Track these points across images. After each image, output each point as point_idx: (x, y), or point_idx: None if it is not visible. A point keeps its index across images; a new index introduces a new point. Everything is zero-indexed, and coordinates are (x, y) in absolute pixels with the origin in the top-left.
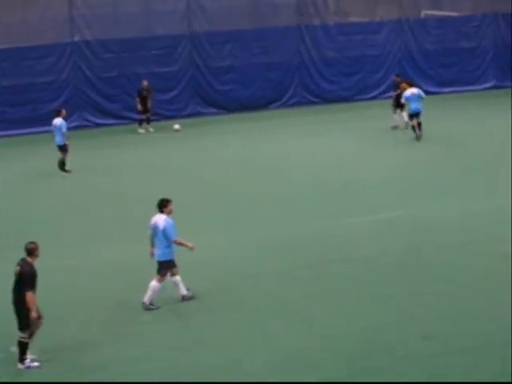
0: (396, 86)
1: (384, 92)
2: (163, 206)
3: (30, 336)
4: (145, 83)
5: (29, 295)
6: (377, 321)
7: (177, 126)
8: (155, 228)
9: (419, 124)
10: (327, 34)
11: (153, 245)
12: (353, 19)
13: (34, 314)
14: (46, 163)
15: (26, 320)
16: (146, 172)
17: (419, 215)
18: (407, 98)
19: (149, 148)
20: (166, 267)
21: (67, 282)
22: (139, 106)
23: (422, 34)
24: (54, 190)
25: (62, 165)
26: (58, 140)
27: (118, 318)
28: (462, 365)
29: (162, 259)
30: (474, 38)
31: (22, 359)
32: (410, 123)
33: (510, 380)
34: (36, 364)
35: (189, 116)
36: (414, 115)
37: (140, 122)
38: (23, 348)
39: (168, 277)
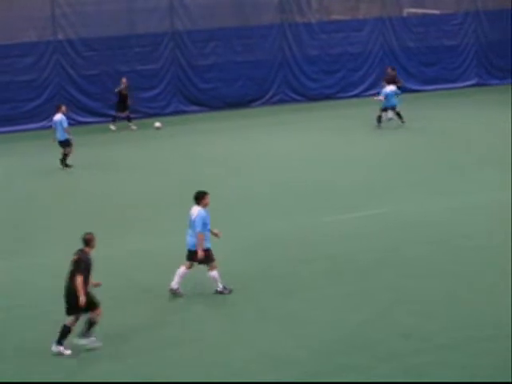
0: (391, 79)
1: (366, 90)
2: (199, 198)
3: (76, 321)
4: (123, 81)
5: (79, 279)
6: (356, 318)
7: (158, 124)
8: (190, 218)
9: (398, 113)
10: (310, 32)
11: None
12: (335, 17)
13: (82, 299)
14: (27, 161)
15: (74, 305)
16: (126, 170)
17: (400, 212)
18: (387, 94)
19: (131, 146)
20: (207, 256)
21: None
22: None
23: (404, 32)
24: (34, 188)
25: (63, 160)
26: (59, 135)
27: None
28: (442, 362)
29: (194, 248)
30: (456, 35)
31: (59, 342)
32: (384, 114)
33: (509, 380)
34: (68, 352)
35: (171, 114)
36: (390, 108)
37: (114, 118)
38: (65, 332)
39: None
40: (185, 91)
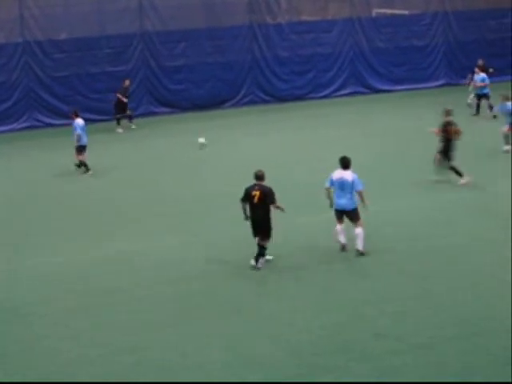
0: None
1: (337, 90)
2: (348, 162)
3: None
4: (127, 82)
5: (275, 206)
6: (329, 319)
7: (202, 140)
8: (341, 182)
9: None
10: (280, 33)
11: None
12: (305, 18)
13: (282, 208)
14: None
15: (269, 231)
16: (98, 174)
17: (374, 211)
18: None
19: (100, 148)
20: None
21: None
22: (125, 100)
23: (374, 33)
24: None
25: (82, 165)
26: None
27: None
28: (417, 362)
29: (354, 206)
30: (425, 36)
31: (257, 260)
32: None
33: (509, 380)
34: (270, 257)
35: (142, 115)
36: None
37: (117, 121)
38: (263, 252)
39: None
40: (155, 92)
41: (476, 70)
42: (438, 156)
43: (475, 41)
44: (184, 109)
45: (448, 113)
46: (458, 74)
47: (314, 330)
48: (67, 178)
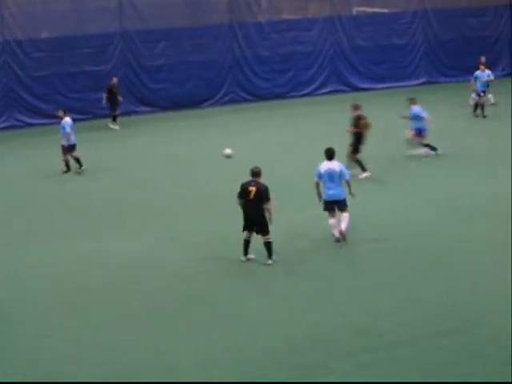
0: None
1: (318, 88)
2: (333, 153)
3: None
4: (115, 80)
5: (271, 204)
6: (309, 317)
7: (228, 151)
8: (330, 173)
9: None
10: (260, 32)
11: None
12: (285, 17)
13: (273, 216)
14: None
15: (267, 225)
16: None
17: (354, 210)
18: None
19: (83, 148)
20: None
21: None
22: (104, 101)
23: (354, 31)
24: None
25: (78, 162)
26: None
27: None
28: (396, 358)
29: (344, 196)
30: (406, 34)
31: (270, 256)
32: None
33: (509, 380)
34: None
35: (122, 114)
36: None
37: (114, 117)
38: (270, 247)
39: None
40: (135, 92)
41: (481, 67)
42: (351, 150)
43: (455, 39)
44: (165, 108)
45: (356, 107)
46: (439, 71)
47: (294, 328)
48: (52, 178)
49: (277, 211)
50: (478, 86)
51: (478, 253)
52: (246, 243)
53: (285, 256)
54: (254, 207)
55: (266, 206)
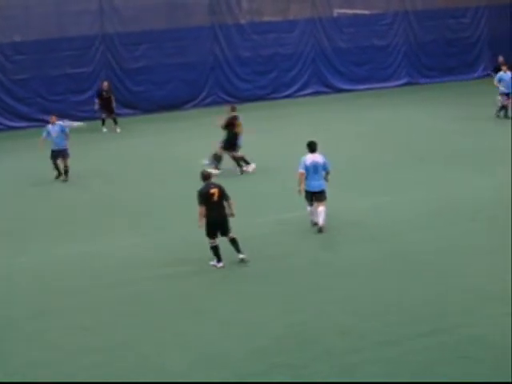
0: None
1: (299, 90)
2: (316, 146)
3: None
4: (105, 84)
5: (229, 203)
6: (291, 318)
7: (215, 172)
8: (314, 165)
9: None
10: (241, 33)
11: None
12: (266, 18)
13: (234, 215)
14: None
15: (228, 224)
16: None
17: (335, 211)
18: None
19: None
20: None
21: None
22: (96, 106)
23: (335, 33)
24: None
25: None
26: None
27: None
28: (378, 359)
29: (324, 187)
30: (386, 35)
31: (240, 250)
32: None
33: (509, 380)
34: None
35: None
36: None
37: (114, 120)
38: (237, 241)
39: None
40: (117, 94)
41: (503, 68)
42: (221, 146)
43: (435, 40)
44: (146, 110)
45: (233, 109)
46: (419, 73)
47: (277, 329)
48: (36, 180)
49: (256, 213)
50: (504, 86)
51: (464, 254)
52: (217, 248)
53: (268, 257)
54: (219, 208)
55: (230, 201)
